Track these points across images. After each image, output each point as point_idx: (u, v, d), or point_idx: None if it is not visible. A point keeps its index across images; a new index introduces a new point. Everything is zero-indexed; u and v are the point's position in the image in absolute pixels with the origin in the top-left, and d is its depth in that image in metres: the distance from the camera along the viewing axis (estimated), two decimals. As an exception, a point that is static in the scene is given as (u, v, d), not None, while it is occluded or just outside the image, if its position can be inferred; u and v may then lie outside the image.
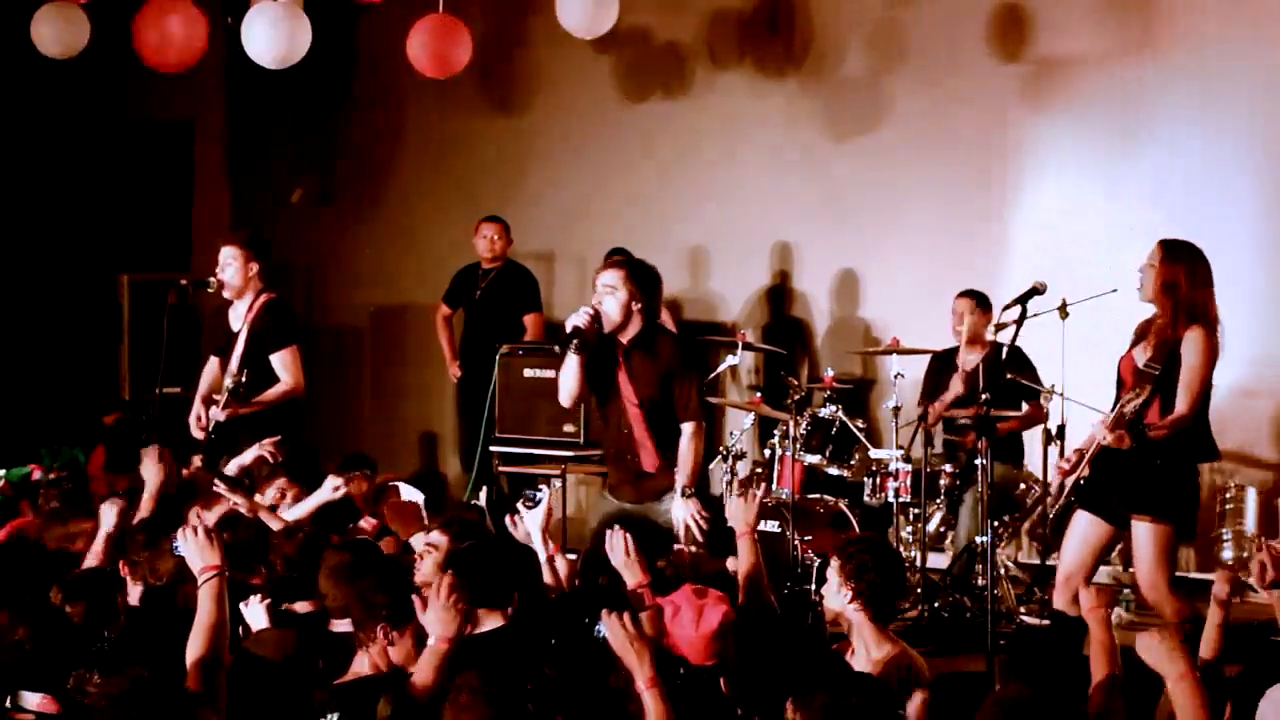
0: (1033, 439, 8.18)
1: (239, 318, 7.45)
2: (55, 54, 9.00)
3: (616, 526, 5.17)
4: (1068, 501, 6.26)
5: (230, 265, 7.39)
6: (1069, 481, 6.19)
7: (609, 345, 6.35)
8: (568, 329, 6.24)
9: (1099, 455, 6.03)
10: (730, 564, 5.51)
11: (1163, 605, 5.96)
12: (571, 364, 6.29)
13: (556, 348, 6.74)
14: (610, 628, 4.13)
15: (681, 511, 6.12)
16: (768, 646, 4.58)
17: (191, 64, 8.56)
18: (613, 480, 6.50)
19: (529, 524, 5.46)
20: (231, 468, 6.78)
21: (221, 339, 7.53)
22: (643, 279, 6.34)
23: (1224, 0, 8.56)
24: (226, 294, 7.43)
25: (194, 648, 4.29)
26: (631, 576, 4.99)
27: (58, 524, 6.14)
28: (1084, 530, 6.15)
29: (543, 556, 5.30)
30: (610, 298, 6.27)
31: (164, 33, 8.37)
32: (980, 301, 8.23)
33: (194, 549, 4.48)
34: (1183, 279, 5.91)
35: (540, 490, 5.51)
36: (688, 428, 6.23)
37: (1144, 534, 5.93)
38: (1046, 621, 6.30)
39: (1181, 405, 5.90)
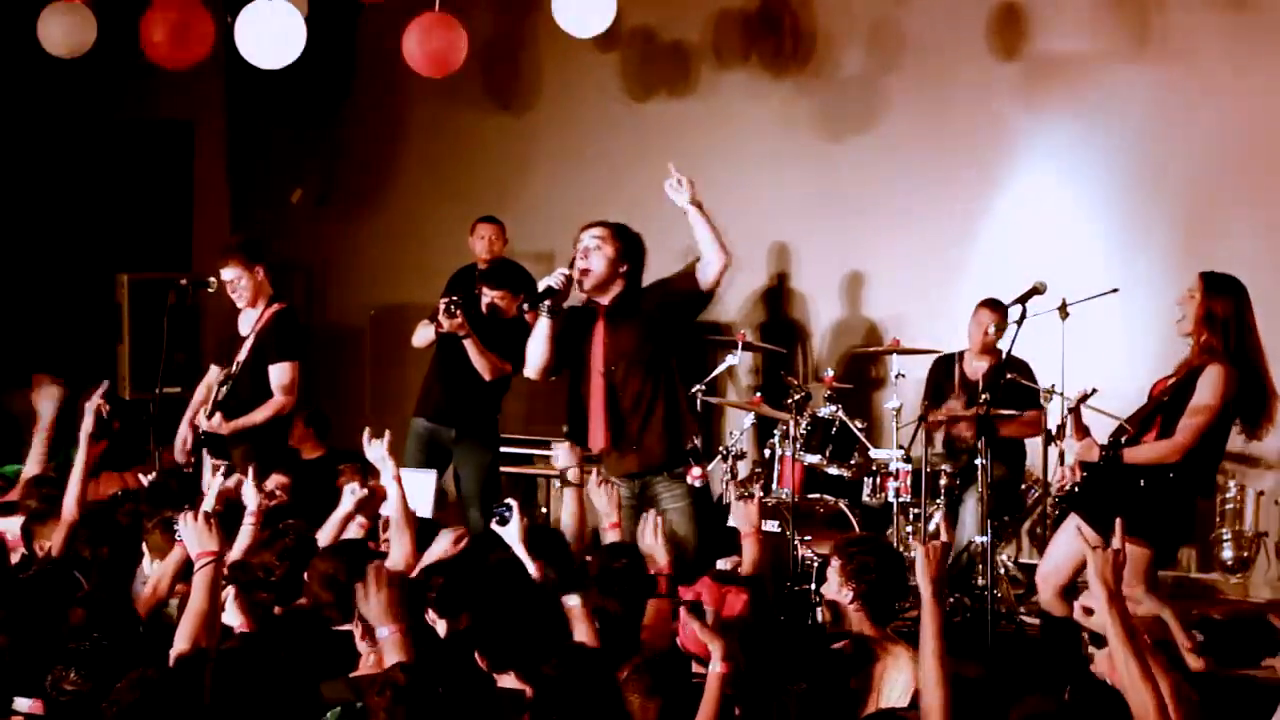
0: (1033, 438, 8.20)
1: (249, 324, 7.49)
2: (62, 53, 8.93)
3: (652, 510, 5.17)
4: (1061, 502, 6.26)
5: (239, 282, 7.39)
6: (1066, 486, 6.19)
7: (586, 312, 6.11)
8: (540, 288, 5.97)
9: (1091, 465, 6.00)
10: (724, 562, 5.50)
11: (1136, 609, 5.96)
12: (542, 329, 6.00)
13: (525, 306, 6.47)
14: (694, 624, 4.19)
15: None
16: (768, 647, 4.58)
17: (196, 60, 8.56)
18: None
19: (508, 540, 5.29)
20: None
21: (228, 346, 7.57)
22: (628, 241, 6.17)
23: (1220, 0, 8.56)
24: (240, 303, 7.46)
25: (181, 637, 4.18)
26: (660, 558, 5.01)
27: (40, 524, 6.08)
28: (1072, 532, 6.13)
29: (531, 568, 5.13)
30: (597, 253, 6.07)
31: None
32: (1004, 313, 8.20)
33: (193, 534, 4.45)
34: (1219, 312, 5.74)
35: (508, 506, 5.32)
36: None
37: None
38: (1036, 620, 6.30)
39: (1177, 437, 5.73)
